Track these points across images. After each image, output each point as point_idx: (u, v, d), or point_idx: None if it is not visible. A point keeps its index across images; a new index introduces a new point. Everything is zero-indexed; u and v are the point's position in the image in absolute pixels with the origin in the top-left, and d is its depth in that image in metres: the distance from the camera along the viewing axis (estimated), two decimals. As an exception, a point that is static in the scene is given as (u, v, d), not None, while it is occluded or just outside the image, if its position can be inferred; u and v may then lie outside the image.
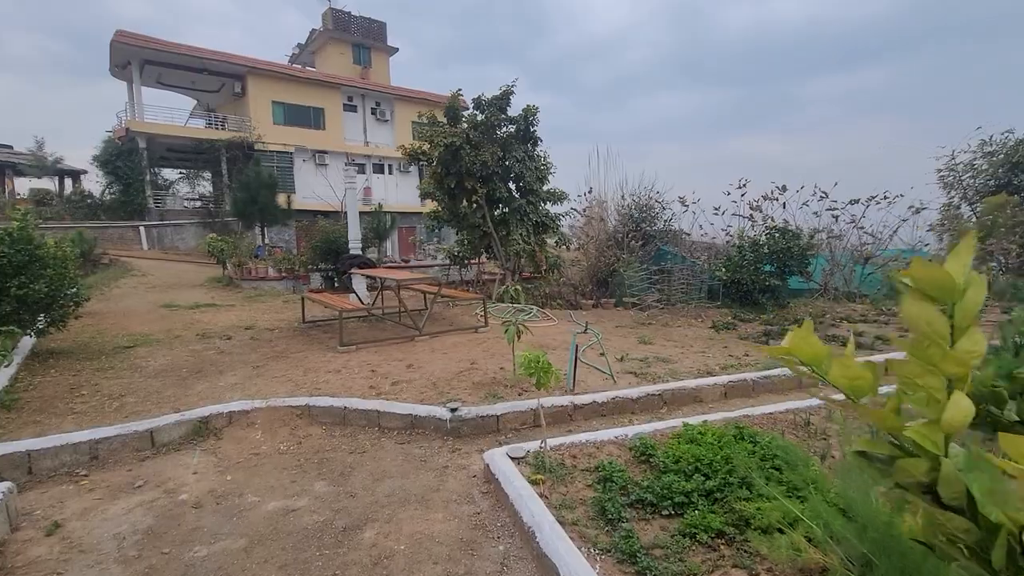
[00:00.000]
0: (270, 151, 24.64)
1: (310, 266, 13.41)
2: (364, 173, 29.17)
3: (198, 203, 25.48)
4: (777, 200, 10.93)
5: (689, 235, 12.99)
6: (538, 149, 9.55)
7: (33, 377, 5.38)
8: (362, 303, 8.92)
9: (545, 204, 10.06)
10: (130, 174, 22.59)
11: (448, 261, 14.90)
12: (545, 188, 9.86)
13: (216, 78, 25.05)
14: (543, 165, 9.50)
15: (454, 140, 8.29)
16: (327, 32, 29.60)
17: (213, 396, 4.76)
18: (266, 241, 21.39)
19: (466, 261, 13.95)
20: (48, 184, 27.82)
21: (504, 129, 9.20)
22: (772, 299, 9.59)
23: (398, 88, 30.48)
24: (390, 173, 30.63)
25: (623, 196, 11.73)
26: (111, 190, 23.22)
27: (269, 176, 18.46)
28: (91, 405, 4.59)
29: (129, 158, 22.58)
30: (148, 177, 23.07)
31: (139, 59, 22.48)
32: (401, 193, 30.05)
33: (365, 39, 30.61)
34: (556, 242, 9.86)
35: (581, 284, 10.89)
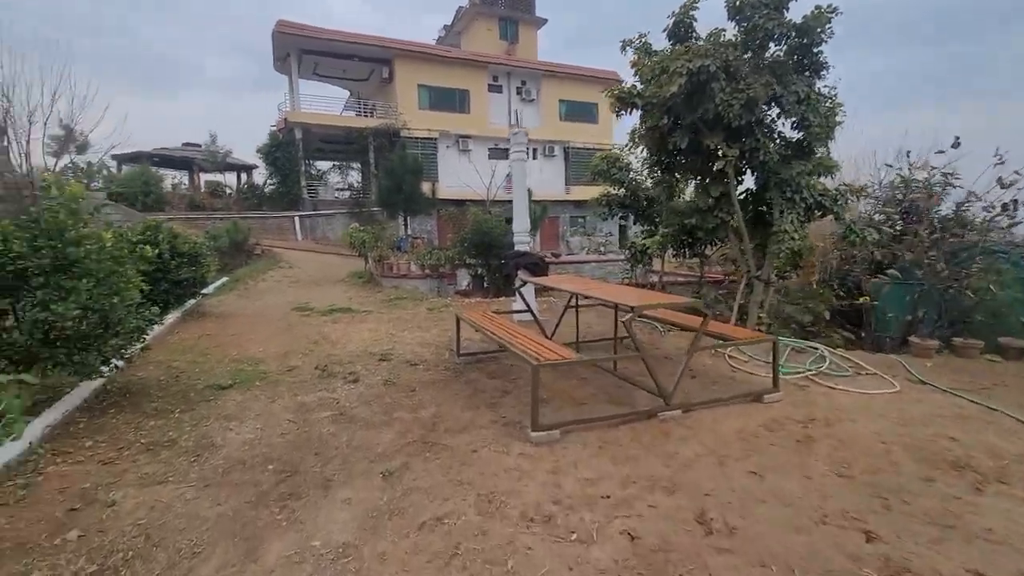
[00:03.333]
0: (415, 137, 23.49)
1: (457, 261, 11.05)
2: (507, 159, 26.97)
3: (347, 193, 25.39)
4: None
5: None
6: (823, 83, 5.75)
7: (55, 458, 3.24)
8: (537, 320, 6.01)
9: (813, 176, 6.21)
10: (287, 165, 22.91)
11: (625, 257, 11.61)
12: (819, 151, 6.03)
13: (366, 65, 24.54)
14: (829, 111, 5.67)
15: (705, 64, 4.89)
16: (474, 8, 27.81)
17: (295, 588, 2.07)
18: (408, 232, 20.09)
19: (649, 260, 10.55)
20: (228, 178, 30.21)
21: (773, 49, 5.55)
22: None
23: (545, 63, 27.74)
24: (534, 158, 28.08)
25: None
26: (271, 181, 23.91)
27: (414, 160, 16.83)
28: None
29: (287, 149, 22.89)
30: (303, 168, 23.24)
31: (297, 49, 22.56)
32: (545, 179, 27.38)
33: (512, 11, 28.27)
34: (846, 233, 5.95)
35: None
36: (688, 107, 5.51)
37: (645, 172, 11.21)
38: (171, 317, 7.67)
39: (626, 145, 6.79)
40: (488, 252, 10.31)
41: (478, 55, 25.77)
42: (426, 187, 17.66)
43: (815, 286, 6.82)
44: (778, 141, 5.84)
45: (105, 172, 22.38)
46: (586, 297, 4.85)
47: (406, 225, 18.80)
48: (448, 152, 25.26)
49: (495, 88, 26.71)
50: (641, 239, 10.90)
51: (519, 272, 7.24)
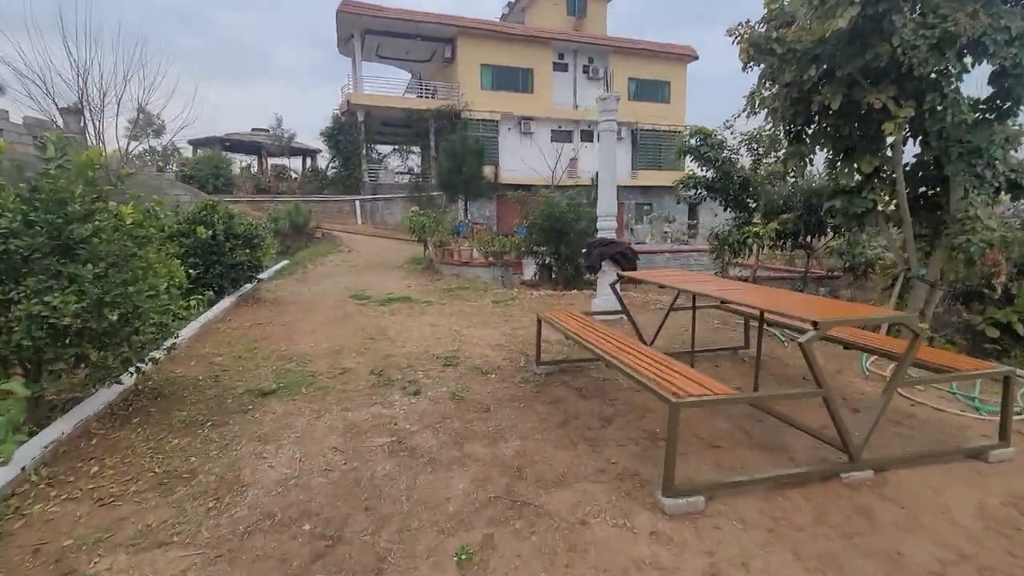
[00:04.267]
0: (476, 119, 22.63)
1: (523, 249, 10.08)
2: (571, 142, 25.65)
3: (407, 177, 25.03)
4: None
5: None
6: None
7: (49, 489, 2.56)
8: (633, 323, 4.93)
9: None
10: (349, 148, 22.74)
11: (710, 248, 10.26)
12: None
13: (428, 45, 23.88)
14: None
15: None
16: (540, -18, 26.39)
17: None
18: (468, 217, 19.35)
19: (748, 251, 9.15)
20: (293, 163, 30.71)
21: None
22: None
23: (615, 39, 25.98)
24: (599, 141, 26.53)
25: None
26: (333, 165, 23.90)
27: (475, 142, 15.96)
28: None
29: (349, 132, 22.70)
30: (364, 151, 22.99)
31: (360, 29, 22.16)
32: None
33: (581, -16, 26.62)
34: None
35: None
36: (848, 53, 4.18)
37: (743, 149, 9.77)
38: (225, 302, 7.20)
39: (740, 112, 5.50)
40: (559, 239, 9.27)
41: (543, 31, 24.44)
42: (487, 171, 16.76)
43: (998, 288, 5.28)
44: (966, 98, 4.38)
45: (179, 156, 23.08)
46: (710, 299, 3.72)
47: (466, 210, 18.03)
48: (510, 134, 24.23)
49: (560, 66, 25.31)
50: (732, 227, 9.50)
51: (603, 264, 6.17)
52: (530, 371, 4.46)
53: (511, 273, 10.34)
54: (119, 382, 3.20)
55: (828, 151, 5.29)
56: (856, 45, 4.14)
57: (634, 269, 6.12)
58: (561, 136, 25.43)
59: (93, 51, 12.36)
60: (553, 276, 10.29)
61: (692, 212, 31.10)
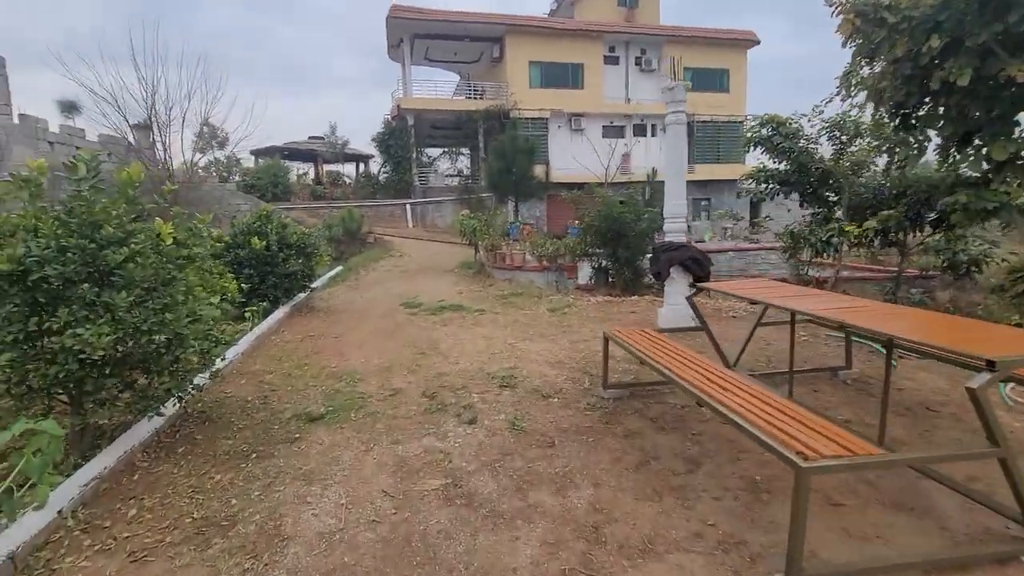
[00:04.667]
0: (525, 118, 22.24)
1: (579, 252, 9.58)
2: (623, 137, 24.80)
3: (456, 179, 25.00)
4: None
5: None
6: None
7: (83, 536, 2.37)
8: (713, 342, 4.37)
9: None
10: (400, 152, 22.96)
11: (782, 246, 9.38)
12: None
13: (476, 45, 23.73)
14: None
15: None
16: (589, -27, 25.69)
17: None
18: (518, 218, 18.99)
19: (835, 251, 8.25)
20: (347, 169, 31.48)
21: None
22: None
23: (669, 28, 24.91)
24: (652, 135, 25.58)
25: None
26: (384, 169, 24.22)
27: (525, 141, 15.55)
28: None
29: (399, 137, 22.91)
30: (414, 155, 23.14)
31: (410, 34, 22.29)
32: (663, 158, 24.69)
33: (632, -28, 25.69)
34: None
35: None
36: (982, 18, 3.45)
37: (823, 138, 8.84)
38: (279, 312, 7.17)
39: (834, 95, 4.78)
40: (617, 241, 8.71)
41: (594, 24, 23.73)
42: (538, 170, 16.32)
43: None
44: None
45: (240, 166, 24.06)
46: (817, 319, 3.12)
47: (516, 211, 17.67)
48: (559, 132, 23.70)
49: (611, 60, 24.50)
50: (813, 224, 8.60)
51: (672, 270, 5.60)
52: (596, 395, 4.00)
53: (566, 277, 9.86)
54: (160, 413, 3.01)
55: (943, 136, 4.49)
56: (991, 8, 3.40)
57: (707, 276, 5.53)
58: (613, 132, 24.64)
59: (160, 70, 12.97)
60: (610, 280, 9.73)
61: (754, 208, 29.46)
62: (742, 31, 25.24)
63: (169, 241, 2.91)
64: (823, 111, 7.74)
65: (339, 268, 12.55)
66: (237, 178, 22.50)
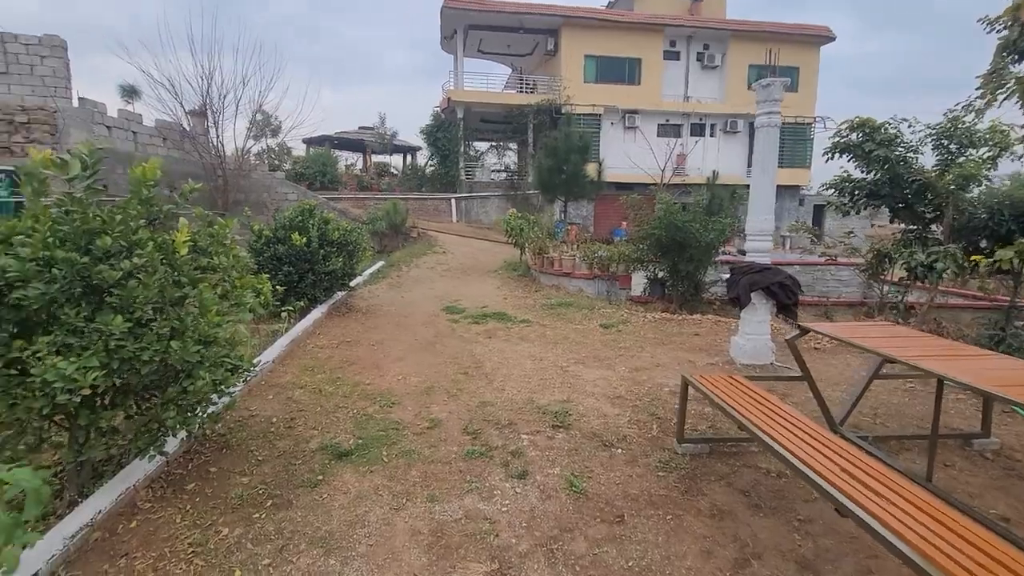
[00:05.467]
0: (577, 114, 21.44)
1: (635, 260, 8.87)
2: (679, 136, 23.60)
3: (503, 175, 24.51)
4: None
5: None
6: None
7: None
8: (815, 393, 3.66)
9: None
10: (447, 145, 22.65)
11: (867, 265, 8.34)
12: None
13: (530, 37, 23.06)
14: None
15: None
16: (652, -37, 24.50)
17: None
18: (564, 217, 18.30)
19: (939, 277, 7.21)
20: (395, 160, 31.52)
21: None
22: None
23: (736, 21, 23.47)
24: (711, 135, 24.26)
25: None
26: (431, 162, 24.00)
27: (580, 138, 14.81)
28: None
29: (448, 130, 22.60)
30: (462, 148, 22.77)
31: (464, 25, 21.87)
32: (724, 160, 23.39)
33: (698, -37, 24.36)
34: None
35: None
36: None
37: (927, 147, 7.77)
38: (317, 312, 6.83)
39: (975, 97, 3.91)
40: (679, 252, 7.94)
41: (655, 17, 22.60)
42: (590, 169, 15.54)
43: None
44: None
45: (290, 155, 24.36)
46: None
47: (565, 211, 16.99)
48: (612, 129, 22.79)
49: (671, 55, 23.32)
50: (912, 243, 7.56)
51: (753, 296, 4.86)
52: (668, 449, 3.36)
53: (618, 287, 9.18)
54: (163, 452, 2.59)
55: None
56: None
57: (795, 305, 4.76)
58: (669, 130, 23.51)
59: (217, 57, 13.01)
60: (666, 292, 8.98)
61: (816, 217, 27.57)
62: (815, 26, 23.50)
63: (184, 251, 2.47)
64: (961, 115, 6.69)
65: (381, 263, 12.27)
66: (287, 166, 22.77)
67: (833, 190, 8.70)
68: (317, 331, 6.32)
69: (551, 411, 3.92)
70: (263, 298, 4.72)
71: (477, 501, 2.75)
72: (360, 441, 3.40)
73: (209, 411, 2.78)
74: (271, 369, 4.80)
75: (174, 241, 2.40)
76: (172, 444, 2.98)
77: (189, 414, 2.47)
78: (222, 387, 2.50)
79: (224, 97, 12.41)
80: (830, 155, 8.78)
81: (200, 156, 12.55)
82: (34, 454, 2.42)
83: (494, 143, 26.10)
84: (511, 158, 26.47)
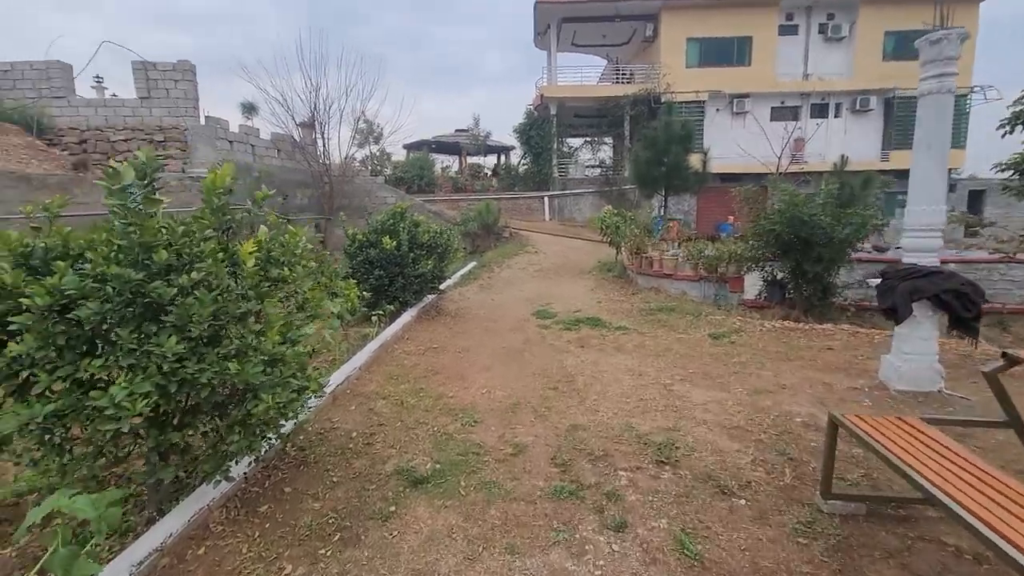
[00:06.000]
0: (678, 102, 20.00)
1: (749, 259, 7.84)
2: (797, 119, 21.18)
3: (597, 170, 23.69)
4: None
5: None
6: None
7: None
8: None
9: None
10: (540, 143, 22.33)
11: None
12: None
13: (627, 25, 21.98)
14: None
15: None
16: (765, -69, 22.20)
17: None
18: (663, 213, 17.13)
19: None
20: (488, 161, 31.89)
21: None
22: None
23: (868, -16, 20.51)
24: (836, 115, 21.51)
25: None
26: (524, 161, 23.85)
27: (682, 127, 13.68)
28: None
29: (541, 127, 22.26)
30: (555, 145, 22.33)
31: (557, 18, 21.40)
32: (850, 144, 20.57)
33: (822, -77, 21.62)
34: None
35: None
36: None
37: None
38: (406, 316, 6.78)
39: None
40: (804, 251, 6.84)
41: (768, -11, 20.45)
42: (695, 159, 14.32)
43: None
44: None
45: (391, 160, 25.49)
46: None
47: (665, 205, 15.87)
48: (718, 116, 21.02)
49: (787, 30, 20.97)
50: None
51: (915, 307, 3.88)
52: (808, 503, 2.66)
53: (727, 290, 8.19)
54: (229, 478, 2.45)
55: None
56: None
57: (977, 318, 3.71)
58: (784, 113, 21.20)
59: (323, 71, 13.79)
60: (786, 296, 7.82)
61: (972, 204, 23.41)
62: (972, -22, 19.83)
63: (251, 263, 2.30)
64: None
65: (472, 264, 12.22)
66: (388, 171, 23.83)
67: (1014, 171, 7.04)
68: (405, 335, 6.24)
69: (654, 442, 3.35)
70: (349, 304, 4.65)
71: (565, 558, 2.30)
72: (438, 466, 3.10)
73: (283, 429, 2.60)
74: (357, 376, 4.72)
75: (235, 253, 2.22)
76: (248, 462, 2.88)
77: (254, 438, 2.28)
78: (286, 410, 2.29)
79: (329, 107, 13.08)
80: (1008, 127, 7.13)
81: (309, 165, 13.35)
82: (119, 466, 2.39)
83: (588, 138, 25.34)
84: (606, 153, 25.52)
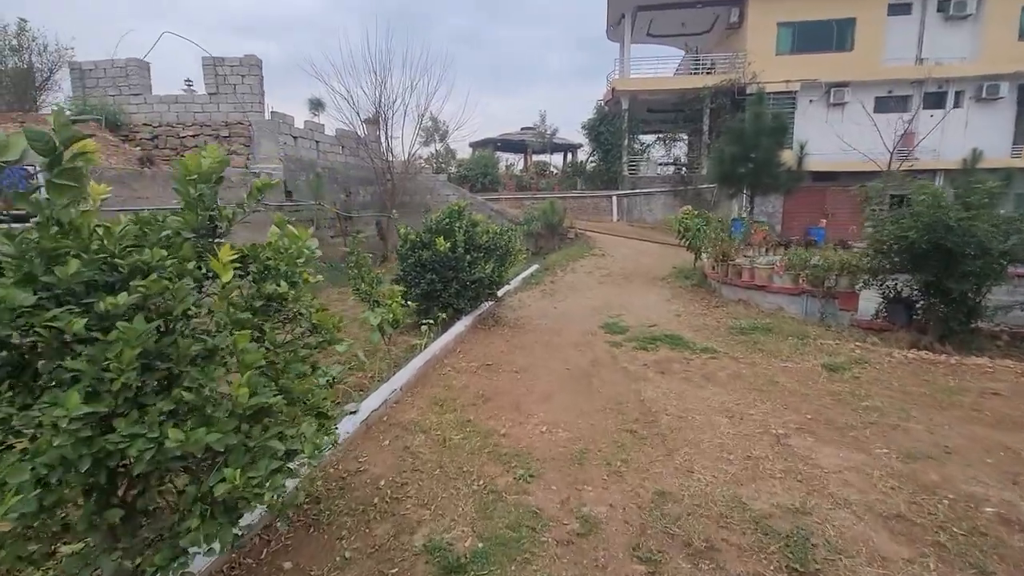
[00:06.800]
0: (767, 92, 18.17)
1: (866, 271, 6.53)
2: (907, 111, 18.63)
3: (671, 168, 22.19)
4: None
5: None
6: None
7: None
8: None
9: None
10: (610, 139, 21.15)
11: None
12: None
13: (709, 11, 20.33)
14: None
15: None
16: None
17: None
18: (748, 214, 15.51)
19: None
20: (555, 159, 31.03)
21: None
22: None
23: (1003, -49, 17.67)
24: (955, 105, 18.75)
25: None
26: (592, 158, 22.80)
27: (774, 119, 12.18)
28: None
29: (611, 123, 21.08)
30: (626, 142, 21.08)
31: (632, 7, 20.13)
32: (974, 137, 17.78)
33: None
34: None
35: None
36: None
37: None
38: (459, 326, 6.11)
39: None
40: (947, 264, 5.47)
41: (877, -37, 18.13)
42: (787, 155, 12.74)
43: None
44: None
45: (456, 158, 25.25)
46: None
47: (751, 205, 14.32)
48: (811, 107, 18.94)
49: (899, 8, 18.50)
50: None
51: None
52: None
53: (836, 307, 6.87)
54: (240, 542, 1.80)
55: None
56: None
57: None
58: (891, 104, 18.74)
59: (387, 66, 13.55)
60: (913, 317, 6.41)
61: None
62: None
63: (228, 276, 1.64)
64: None
65: (535, 267, 11.44)
66: (452, 169, 23.57)
67: None
68: (457, 348, 5.57)
69: (778, 532, 2.41)
70: (392, 315, 3.99)
71: None
72: (480, 545, 2.34)
73: (273, 496, 1.93)
74: (397, 400, 4.07)
75: (199, 266, 1.56)
76: (251, 516, 2.27)
77: (218, 527, 1.61)
78: (261, 490, 1.60)
79: (394, 103, 12.78)
80: None
81: (372, 161, 13.13)
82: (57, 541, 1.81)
83: (662, 134, 23.82)
84: (681, 149, 23.89)
